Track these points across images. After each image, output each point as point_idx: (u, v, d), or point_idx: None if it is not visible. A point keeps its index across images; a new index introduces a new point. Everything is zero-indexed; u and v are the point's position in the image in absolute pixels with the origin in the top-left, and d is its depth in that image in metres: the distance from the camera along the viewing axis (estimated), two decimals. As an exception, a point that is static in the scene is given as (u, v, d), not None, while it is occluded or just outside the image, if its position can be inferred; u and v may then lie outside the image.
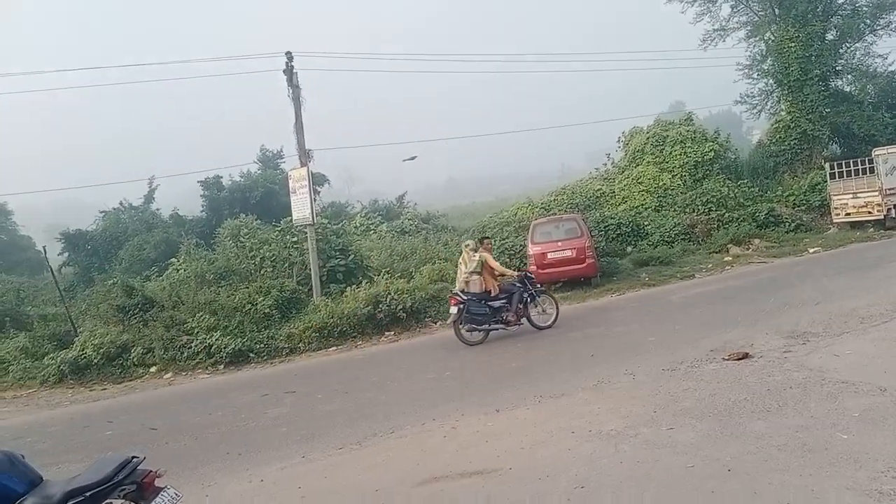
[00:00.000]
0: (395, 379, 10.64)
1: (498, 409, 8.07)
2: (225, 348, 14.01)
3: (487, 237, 15.11)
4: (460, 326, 12.49)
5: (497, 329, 12.58)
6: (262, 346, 14.39)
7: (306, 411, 9.37)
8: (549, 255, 16.92)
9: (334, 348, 14.40)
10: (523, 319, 12.80)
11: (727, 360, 8.81)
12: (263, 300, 15.78)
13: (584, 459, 5.95)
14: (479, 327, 12.47)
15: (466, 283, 12.90)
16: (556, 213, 23.60)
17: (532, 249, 17.15)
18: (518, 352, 11.43)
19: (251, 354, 14.12)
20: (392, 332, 14.99)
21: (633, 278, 17.67)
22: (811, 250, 19.00)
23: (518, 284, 13.15)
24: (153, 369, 14.19)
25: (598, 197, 28.29)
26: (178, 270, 21.46)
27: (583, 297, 16.22)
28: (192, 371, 13.94)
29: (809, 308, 11.30)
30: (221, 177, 34.17)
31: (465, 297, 12.54)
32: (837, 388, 6.87)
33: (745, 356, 8.80)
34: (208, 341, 14.23)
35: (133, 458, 4.39)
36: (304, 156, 17.74)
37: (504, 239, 22.10)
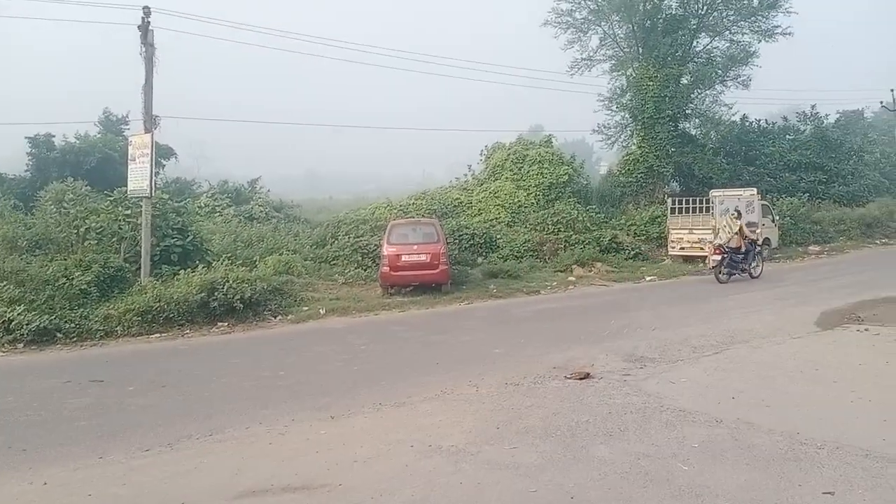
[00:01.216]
0: (223, 374, 9.70)
1: (333, 415, 7.47)
2: (28, 325, 12.27)
3: (740, 211, 19.85)
4: (721, 270, 18.11)
5: (740, 275, 18.55)
6: (72, 325, 12.76)
7: (113, 404, 8.24)
8: (404, 258, 16.50)
9: (157, 335, 13.09)
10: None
11: (569, 378, 8.76)
12: (82, 275, 14.09)
13: (421, 477, 5.49)
14: (733, 272, 18.29)
15: (729, 240, 18.33)
16: (414, 217, 23.26)
17: (387, 250, 16.64)
18: (360, 354, 10.86)
19: (58, 334, 12.49)
20: (225, 324, 13.89)
21: (481, 289, 17.65)
22: (647, 278, 19.94)
23: (750, 247, 18.70)
24: (-64, 342, 12.19)
25: (455, 206, 28.35)
26: (-13, 233, 18.89)
27: (432, 303, 15.92)
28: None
29: (647, 333, 11.62)
30: (54, 135, 30.78)
31: (728, 250, 18.15)
32: (676, 415, 6.89)
33: (587, 376, 8.80)
34: (8, 315, 12.42)
35: None
36: (150, 121, 16.16)
37: (359, 237, 21.50)
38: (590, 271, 20.58)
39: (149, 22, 16.12)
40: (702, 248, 22.27)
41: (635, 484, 5.20)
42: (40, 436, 7.03)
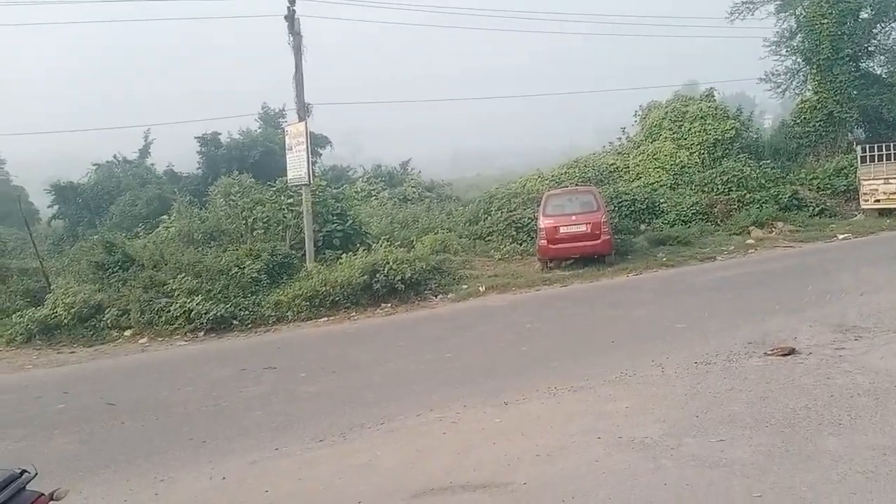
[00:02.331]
0: (390, 358, 9.49)
1: (506, 401, 6.95)
2: (206, 314, 12.84)
3: None
4: None
5: None
6: (246, 312, 13.22)
7: (287, 392, 8.23)
8: (562, 230, 15.67)
9: (325, 319, 13.25)
10: None
11: (771, 355, 7.69)
12: (252, 263, 14.60)
13: (617, 476, 4.82)
14: None
15: None
16: (568, 186, 22.29)
17: (543, 223, 15.87)
18: (527, 333, 10.27)
19: (234, 322, 12.97)
20: (389, 305, 13.83)
21: (649, 258, 16.45)
22: (840, 236, 17.76)
23: None
24: (128, 333, 13.02)
25: (611, 171, 26.94)
26: (167, 228, 20.26)
27: (596, 275, 15.00)
28: (169, 337, 12.77)
29: (854, 298, 10.13)
30: (220, 133, 32.78)
31: None
32: (919, 398, 5.72)
33: (792, 352, 7.68)
34: (189, 305, 13.06)
35: (22, 472, 3.15)
36: (303, 110, 16.43)
37: (511, 211, 20.85)
38: (770, 232, 18.67)
39: (294, 10, 16.31)
40: (903, 199, 19.60)
41: (885, 486, 4.23)
42: (219, 427, 7.08)
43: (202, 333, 12.67)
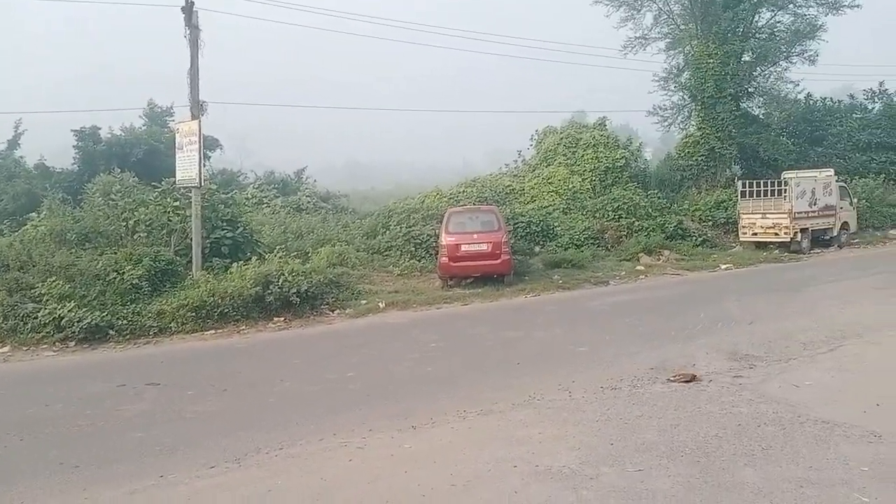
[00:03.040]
0: (286, 376, 8.93)
1: (414, 424, 6.63)
2: (79, 322, 11.72)
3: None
4: None
5: None
6: (124, 322, 12.18)
7: (172, 411, 7.53)
8: (463, 248, 15.57)
9: (213, 332, 12.42)
10: None
11: (674, 381, 7.80)
12: (132, 269, 13.52)
13: (539, 510, 4.59)
14: None
15: None
16: (475, 204, 22.32)
17: (445, 240, 15.72)
18: (431, 352, 9.99)
19: (111, 331, 11.91)
20: (282, 319, 13.17)
21: (545, 279, 16.64)
22: (723, 266, 18.68)
23: None
24: (-14, 340, 11.71)
25: (507, 193, 27.25)
26: (36, 227, 18.52)
27: (496, 295, 14.99)
28: (35, 346, 11.55)
29: (743, 328, 10.54)
30: (100, 128, 30.56)
31: None
32: (822, 429, 5.88)
33: (693, 378, 7.83)
34: (59, 312, 11.87)
35: None
36: (197, 107, 15.48)
37: (411, 226, 20.63)
38: (658, 259, 19.41)
39: (193, 2, 15.45)
40: (776, 234, 20.92)
41: (812, 523, 4.22)
42: (94, 450, 6.34)
43: (73, 343, 11.55)
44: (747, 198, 22.37)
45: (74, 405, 7.85)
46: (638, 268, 18.41)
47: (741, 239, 22.24)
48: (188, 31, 15.50)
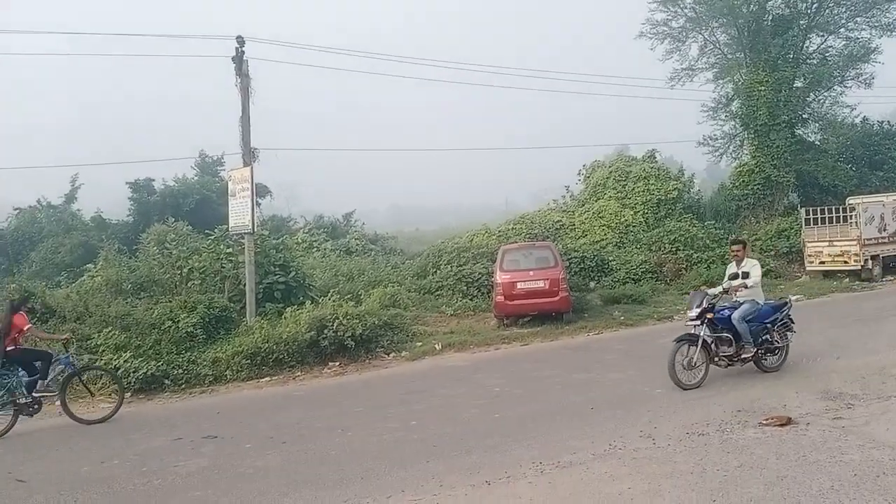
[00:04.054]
0: (347, 426, 8.52)
1: (488, 479, 6.13)
2: (135, 372, 11.63)
3: None
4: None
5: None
6: (180, 371, 12.05)
7: (230, 466, 7.17)
8: (519, 286, 15.10)
9: (268, 379, 12.17)
10: None
11: (766, 424, 7.13)
12: (187, 317, 13.44)
13: (648, 582, 4.04)
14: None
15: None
16: (524, 241, 21.87)
17: (500, 278, 15.28)
18: (497, 398, 9.49)
19: (166, 381, 11.77)
20: (338, 364, 12.86)
21: (605, 316, 16.03)
22: (793, 297, 17.68)
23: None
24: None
25: (557, 228, 26.75)
26: (92, 278, 18.73)
27: (556, 333, 14.44)
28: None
29: (831, 363, 9.79)
30: (154, 179, 31.31)
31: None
32: (953, 479, 5.19)
33: (789, 421, 7.14)
34: (115, 362, 11.81)
35: None
36: (249, 154, 15.53)
37: (461, 265, 20.30)
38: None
39: (243, 52, 15.62)
40: (845, 262, 19.92)
41: None
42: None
43: (129, 394, 11.37)
44: (811, 226, 21.44)
45: (130, 461, 7.56)
46: (702, 301, 17.61)
47: (808, 268, 21.27)
48: (239, 80, 15.64)
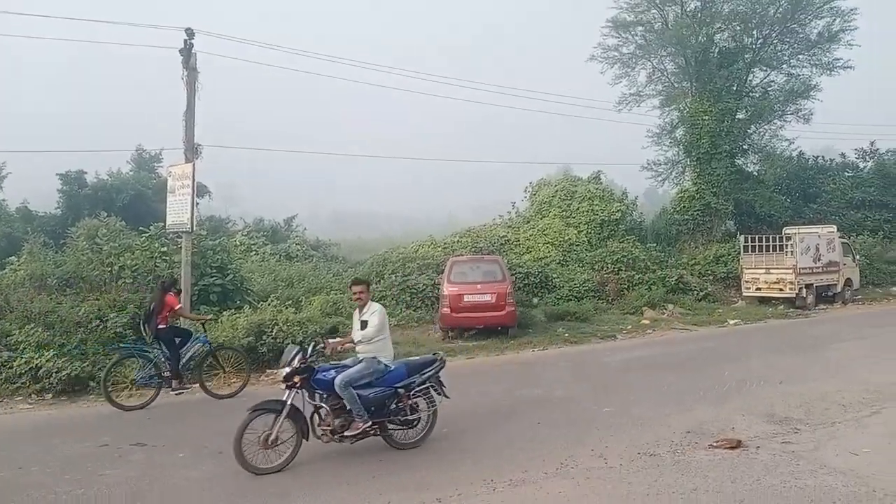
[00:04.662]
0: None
1: (439, 497, 5.87)
2: (58, 372, 10.86)
3: None
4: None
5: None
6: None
7: (162, 477, 6.68)
8: (466, 298, 14.91)
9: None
10: None
11: (717, 447, 7.09)
12: (116, 317, 12.73)
13: None
14: None
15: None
16: (470, 254, 21.72)
17: (448, 290, 15.06)
18: (443, 413, 9.17)
19: (91, 383, 11.04)
20: (275, 371, 12.33)
21: (550, 332, 15.97)
22: (731, 322, 18.10)
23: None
24: (-45, 392, 10.76)
25: (502, 244, 26.77)
26: (15, 271, 17.67)
27: (501, 348, 14.28)
28: (10, 398, 10.67)
29: (774, 387, 9.89)
30: (86, 172, 30.06)
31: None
32: (907, 507, 5.20)
33: (739, 444, 7.12)
34: (36, 361, 11.02)
35: None
36: (192, 151, 14.86)
37: (406, 275, 20.01)
38: (662, 314, 18.85)
39: (192, 44, 15.01)
40: (781, 289, 20.48)
41: None
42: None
43: (50, 395, 10.67)
44: (749, 252, 21.99)
45: (52, 468, 6.96)
46: (643, 321, 17.82)
47: (744, 294, 21.80)
48: (185, 74, 15.02)
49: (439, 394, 7.73)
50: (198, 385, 10.69)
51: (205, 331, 11.32)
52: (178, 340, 10.63)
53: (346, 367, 7.26)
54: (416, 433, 7.57)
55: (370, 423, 7.10)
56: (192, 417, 9.61)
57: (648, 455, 6.88)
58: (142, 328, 10.96)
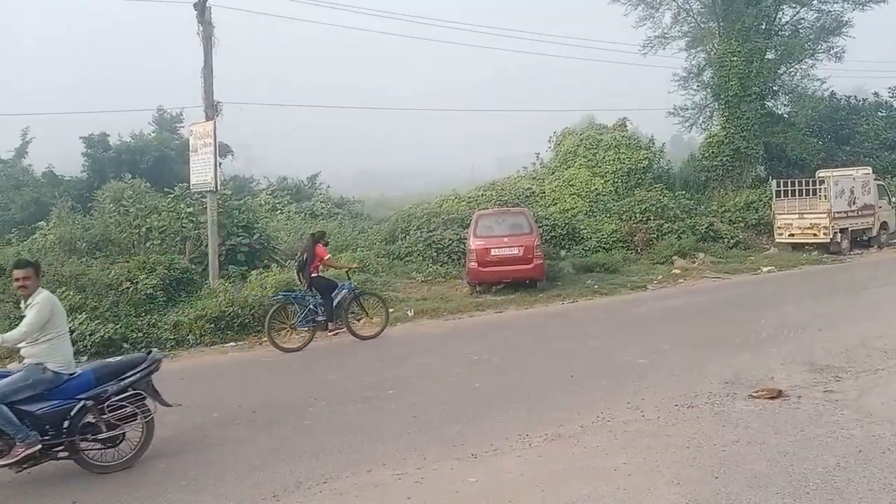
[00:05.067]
0: (320, 395, 8.08)
1: (474, 452, 5.80)
2: (91, 335, 10.98)
3: None
4: None
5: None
6: (140, 334, 11.40)
7: (197, 438, 6.72)
8: (493, 252, 14.75)
9: (233, 344, 11.65)
10: None
11: (757, 397, 6.92)
12: (146, 278, 12.80)
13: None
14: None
15: None
16: (495, 207, 21.48)
17: (474, 244, 14.90)
18: (475, 366, 9.13)
19: (125, 345, 11.14)
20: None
21: (579, 284, 15.81)
22: (764, 269, 17.77)
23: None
24: (-9, 356, 10.94)
25: (527, 196, 26.40)
26: (45, 236, 17.85)
27: (530, 301, 14.16)
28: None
29: (812, 334, 9.66)
30: (109, 135, 30.02)
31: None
32: (965, 457, 5.01)
33: (780, 394, 6.94)
34: (70, 324, 11.11)
35: None
36: (211, 108, 14.73)
37: (431, 231, 19.86)
38: (693, 262, 18.54)
39: (206, -1, 14.74)
40: (815, 235, 20.02)
41: None
42: (108, 482, 5.54)
43: (86, 358, 10.76)
44: (781, 198, 21.46)
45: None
46: (674, 271, 17.57)
47: (777, 240, 21.34)
48: (201, 28, 14.79)
49: (154, 403, 6.27)
50: (345, 328, 11.49)
51: (349, 278, 12.31)
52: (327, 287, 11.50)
53: (8, 374, 5.86)
54: (123, 452, 6.03)
55: (36, 446, 5.53)
56: (227, 377, 9.63)
57: (686, 407, 6.74)
58: (297, 277, 11.84)
